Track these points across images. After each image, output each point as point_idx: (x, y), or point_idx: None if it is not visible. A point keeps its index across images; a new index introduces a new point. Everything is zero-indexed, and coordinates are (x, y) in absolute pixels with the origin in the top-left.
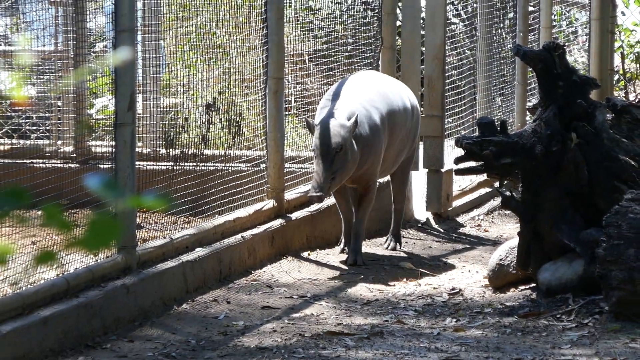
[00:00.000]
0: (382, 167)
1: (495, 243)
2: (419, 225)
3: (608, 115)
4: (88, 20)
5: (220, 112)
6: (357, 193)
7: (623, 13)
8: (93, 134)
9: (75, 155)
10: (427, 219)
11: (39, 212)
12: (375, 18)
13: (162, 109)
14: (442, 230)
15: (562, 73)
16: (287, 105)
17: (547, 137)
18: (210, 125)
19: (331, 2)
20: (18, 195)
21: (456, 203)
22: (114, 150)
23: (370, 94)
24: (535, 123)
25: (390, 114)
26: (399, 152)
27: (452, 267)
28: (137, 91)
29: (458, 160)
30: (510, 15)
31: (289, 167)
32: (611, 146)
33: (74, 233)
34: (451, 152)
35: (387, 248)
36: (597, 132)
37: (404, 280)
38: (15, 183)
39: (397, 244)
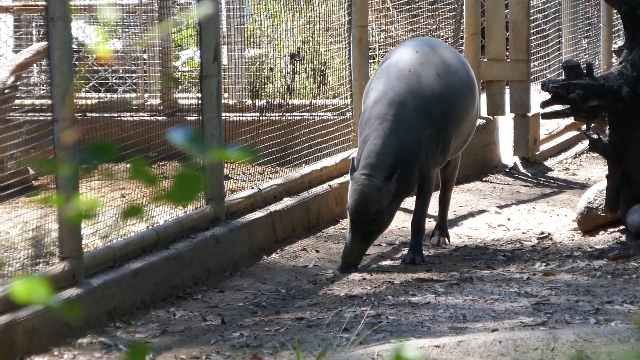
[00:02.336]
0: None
1: (584, 186)
2: (507, 170)
3: None
4: None
5: (305, 62)
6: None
7: None
8: (179, 87)
9: (162, 107)
10: (515, 163)
11: (127, 166)
12: None
13: (247, 60)
14: (529, 175)
15: None
16: (371, 53)
17: (634, 78)
18: (295, 75)
19: None
20: (104, 149)
21: (543, 147)
22: (200, 102)
23: (428, 90)
24: (621, 65)
25: (451, 107)
26: (465, 138)
27: (540, 211)
28: (222, 42)
29: (545, 104)
30: None
31: None
32: None
33: (161, 186)
34: (537, 96)
35: (433, 243)
36: None
37: (493, 225)
38: (103, 137)
39: (445, 237)
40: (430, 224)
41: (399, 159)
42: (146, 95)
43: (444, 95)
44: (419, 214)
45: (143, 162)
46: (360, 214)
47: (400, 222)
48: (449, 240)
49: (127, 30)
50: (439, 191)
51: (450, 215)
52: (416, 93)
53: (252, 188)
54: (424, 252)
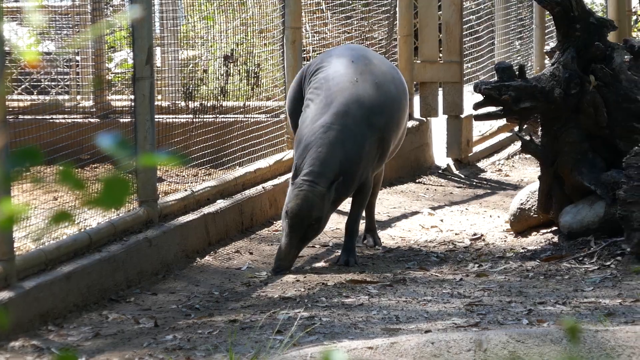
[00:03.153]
0: (380, 164)
1: (516, 187)
2: (440, 171)
3: (626, 56)
4: None
5: (239, 63)
6: None
7: None
8: (111, 89)
9: (95, 109)
10: (448, 165)
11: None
12: None
13: (180, 62)
14: (462, 176)
15: (579, 15)
16: (305, 55)
17: (566, 80)
18: (229, 77)
19: None
20: (31, 154)
21: (476, 148)
22: (133, 104)
23: (369, 100)
24: (554, 66)
25: (391, 115)
26: (398, 142)
27: (473, 212)
28: (155, 44)
29: (477, 106)
30: None
31: None
32: (630, 87)
33: (90, 191)
34: (470, 97)
35: (368, 244)
36: (615, 74)
37: (426, 227)
38: (35, 140)
39: (377, 238)
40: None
41: (343, 168)
42: (79, 97)
43: (384, 104)
44: (354, 217)
45: (71, 167)
46: (302, 218)
47: (334, 224)
48: (379, 242)
49: (59, 32)
50: None
51: (384, 217)
52: (360, 103)
53: (186, 190)
54: (357, 254)
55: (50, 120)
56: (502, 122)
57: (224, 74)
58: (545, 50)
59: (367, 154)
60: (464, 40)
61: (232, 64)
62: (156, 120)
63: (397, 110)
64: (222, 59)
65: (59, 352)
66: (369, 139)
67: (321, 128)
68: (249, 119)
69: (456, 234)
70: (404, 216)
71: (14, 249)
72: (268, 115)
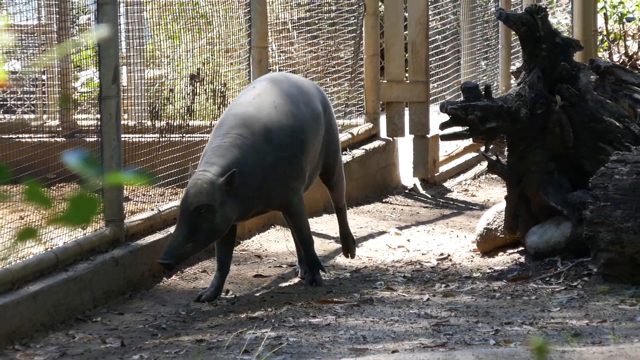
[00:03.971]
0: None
1: (483, 207)
2: (406, 191)
3: (592, 76)
4: None
5: (205, 83)
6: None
7: None
8: (78, 108)
9: (61, 128)
10: (414, 185)
11: (22, 188)
12: None
13: (146, 81)
14: (429, 196)
15: (545, 36)
16: None
17: (532, 100)
18: (195, 96)
19: None
20: None
21: (443, 168)
22: (99, 123)
23: (267, 118)
24: (520, 86)
25: (295, 135)
26: (318, 163)
27: (440, 232)
28: (121, 63)
29: (443, 126)
30: None
31: None
32: (596, 108)
33: (56, 209)
34: (436, 117)
35: (346, 255)
36: (581, 94)
37: (393, 247)
38: (1, 158)
39: (354, 245)
40: (331, 246)
41: (238, 164)
42: (45, 116)
43: (284, 124)
44: (299, 238)
45: (38, 185)
46: (188, 204)
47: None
48: (354, 250)
49: (26, 51)
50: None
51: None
52: (256, 119)
53: (152, 210)
54: (323, 275)
55: (16, 140)
56: (469, 142)
57: (191, 93)
58: (511, 70)
59: (271, 170)
60: (430, 60)
61: (198, 83)
62: (122, 139)
63: (302, 132)
64: (189, 78)
65: None
66: (269, 154)
67: (219, 137)
68: None
69: (423, 254)
70: (371, 236)
71: None
72: None
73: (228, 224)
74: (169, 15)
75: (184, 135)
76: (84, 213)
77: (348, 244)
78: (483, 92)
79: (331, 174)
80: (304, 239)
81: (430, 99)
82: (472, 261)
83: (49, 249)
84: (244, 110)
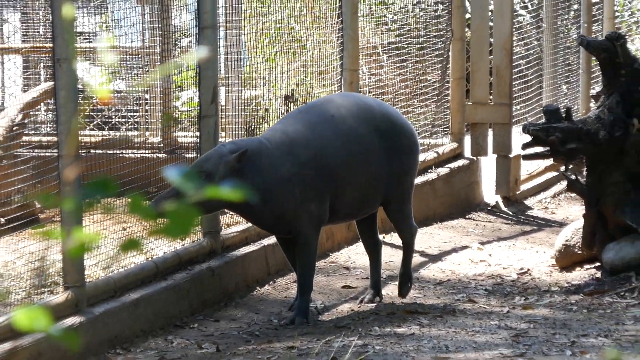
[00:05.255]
0: (334, 214)
1: (562, 224)
2: (489, 208)
3: None
4: (173, 17)
5: (298, 103)
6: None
7: None
8: (178, 125)
9: (162, 145)
10: (497, 202)
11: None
12: (446, 11)
13: (243, 101)
14: (510, 213)
15: (624, 62)
16: None
17: (610, 123)
18: None
19: None
20: (105, 185)
21: (524, 187)
22: (198, 140)
23: (294, 133)
24: (599, 110)
25: (323, 157)
26: (365, 193)
27: (520, 247)
28: (220, 84)
29: (525, 146)
30: (575, 6)
31: None
32: None
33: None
34: (519, 138)
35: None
36: None
37: (475, 261)
38: (106, 173)
39: (408, 285)
40: (416, 259)
41: (252, 151)
42: (147, 133)
43: (312, 142)
44: (298, 272)
45: (140, 198)
46: (194, 165)
47: (387, 257)
48: (409, 289)
49: (129, 71)
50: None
51: (435, 251)
52: (284, 133)
53: (247, 223)
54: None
55: (120, 155)
56: (549, 162)
57: (285, 113)
58: (591, 94)
59: (290, 184)
60: (514, 83)
61: (292, 103)
62: None
63: (335, 154)
64: (283, 99)
65: None
66: (290, 167)
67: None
68: None
69: (504, 268)
70: (454, 250)
71: (85, 277)
72: None
73: (216, 205)
74: (265, 39)
75: None
76: (183, 225)
77: (403, 282)
78: (564, 115)
79: (388, 204)
80: (302, 274)
81: (513, 120)
82: (550, 276)
83: (149, 259)
84: (277, 127)
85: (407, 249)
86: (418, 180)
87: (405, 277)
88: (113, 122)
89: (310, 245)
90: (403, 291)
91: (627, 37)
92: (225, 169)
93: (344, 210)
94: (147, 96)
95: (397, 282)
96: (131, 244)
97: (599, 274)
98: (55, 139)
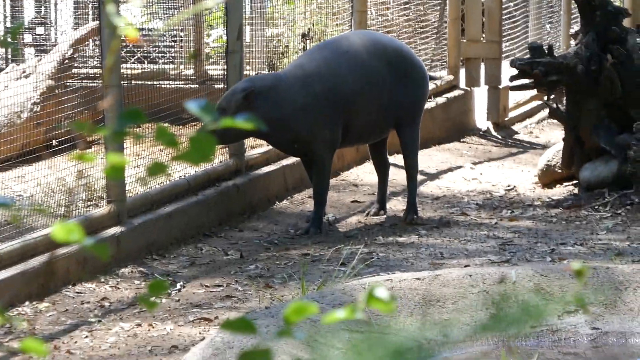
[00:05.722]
0: (347, 138)
1: (544, 147)
2: (481, 133)
3: (638, 39)
4: None
5: (314, 40)
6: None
7: None
8: (208, 60)
9: (194, 77)
10: (488, 127)
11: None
12: None
13: (266, 38)
14: (499, 137)
15: (598, 4)
16: None
17: (587, 58)
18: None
19: None
20: (135, 115)
21: (512, 114)
22: (225, 73)
23: (306, 67)
24: (577, 46)
25: (332, 87)
26: (376, 121)
27: (508, 167)
28: (245, 23)
29: (513, 78)
30: None
31: None
32: None
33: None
34: (507, 71)
35: (404, 220)
36: (629, 54)
37: (468, 179)
38: (143, 103)
39: (414, 214)
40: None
41: (263, 89)
42: (181, 66)
43: (326, 76)
44: (314, 189)
45: (165, 128)
46: (219, 101)
47: (391, 175)
48: (417, 216)
49: (166, 12)
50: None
51: (433, 170)
52: (301, 67)
53: (268, 145)
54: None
55: (157, 85)
56: (534, 92)
57: (302, 49)
58: (570, 33)
59: (304, 113)
60: (503, 23)
61: (309, 40)
62: None
63: (344, 86)
64: (300, 37)
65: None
66: (305, 98)
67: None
68: None
69: (493, 185)
70: (450, 170)
71: (126, 192)
72: None
73: (231, 137)
74: None
75: None
76: (203, 151)
77: (410, 210)
78: (546, 51)
79: (400, 129)
80: (317, 191)
81: (503, 56)
82: (534, 192)
83: (182, 177)
84: (296, 63)
85: (411, 181)
86: None
87: (411, 207)
88: (152, 57)
89: (324, 165)
90: (408, 217)
91: None
92: (235, 106)
93: (356, 135)
94: (181, 34)
95: (399, 197)
96: (157, 168)
97: (576, 190)
98: (100, 71)
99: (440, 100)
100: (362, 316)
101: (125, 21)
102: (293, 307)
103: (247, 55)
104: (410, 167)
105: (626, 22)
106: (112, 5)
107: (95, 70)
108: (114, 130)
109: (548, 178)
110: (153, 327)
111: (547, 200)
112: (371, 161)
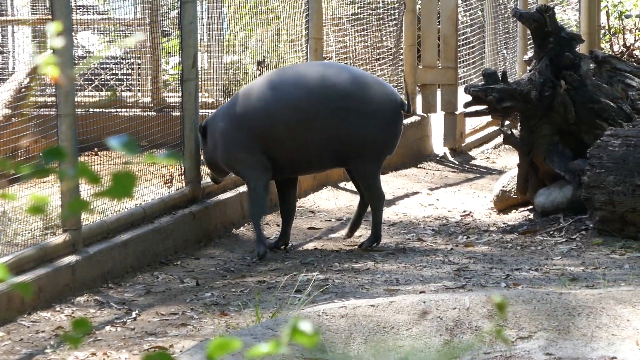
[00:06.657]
0: (278, 168)
1: (501, 172)
2: (438, 158)
3: (591, 65)
4: None
5: (270, 68)
6: None
7: None
8: (166, 87)
9: (152, 104)
10: (444, 153)
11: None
12: None
13: (224, 65)
14: (456, 162)
15: (552, 30)
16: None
17: (541, 84)
18: None
19: None
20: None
21: (468, 140)
22: (181, 100)
23: (244, 91)
24: (531, 72)
25: (257, 119)
26: (314, 155)
27: (464, 193)
28: (203, 50)
29: (467, 105)
30: None
31: None
32: (594, 91)
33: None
34: (464, 97)
35: (360, 246)
36: (582, 80)
37: (424, 205)
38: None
39: (375, 242)
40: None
41: (209, 123)
42: (139, 94)
43: (248, 107)
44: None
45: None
46: None
47: (348, 202)
48: (378, 243)
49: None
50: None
51: (389, 196)
52: (235, 98)
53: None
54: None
55: (115, 113)
56: (490, 118)
57: (258, 76)
58: (524, 59)
59: (224, 140)
60: (460, 49)
61: (263, 68)
62: (202, 113)
63: (267, 113)
64: (255, 64)
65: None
66: (225, 127)
67: None
68: None
69: (449, 211)
70: (406, 195)
71: (81, 221)
72: None
73: (211, 166)
74: (244, 10)
75: None
76: (124, 187)
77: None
78: (500, 77)
79: (352, 167)
80: (249, 211)
81: (459, 82)
82: (489, 217)
83: (138, 205)
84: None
85: (374, 212)
86: None
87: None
88: (110, 84)
89: (250, 187)
90: (365, 244)
91: (557, 8)
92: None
93: (289, 166)
94: (139, 61)
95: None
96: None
97: (531, 216)
98: (55, 100)
99: None
100: (315, 344)
101: (49, 60)
102: (216, 343)
103: (205, 82)
104: (368, 198)
105: (582, 48)
106: (69, 35)
107: (52, 98)
108: (35, 168)
109: (503, 204)
110: (108, 356)
111: (503, 225)
112: (327, 188)
